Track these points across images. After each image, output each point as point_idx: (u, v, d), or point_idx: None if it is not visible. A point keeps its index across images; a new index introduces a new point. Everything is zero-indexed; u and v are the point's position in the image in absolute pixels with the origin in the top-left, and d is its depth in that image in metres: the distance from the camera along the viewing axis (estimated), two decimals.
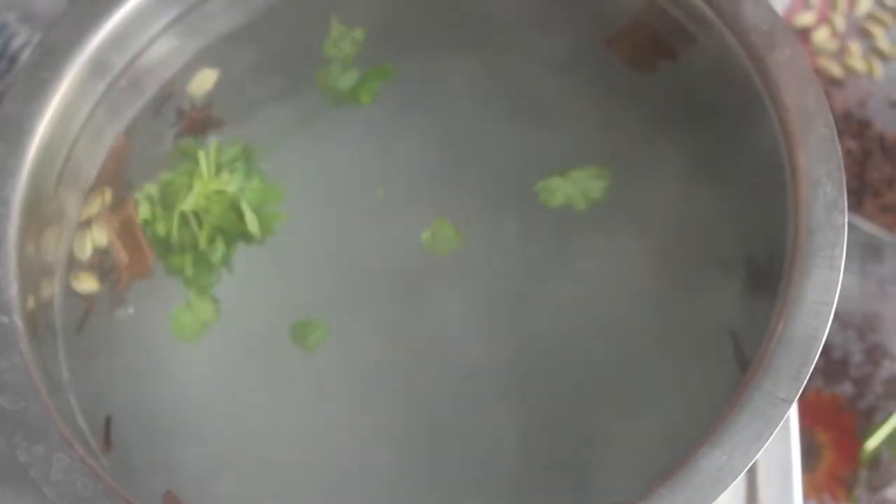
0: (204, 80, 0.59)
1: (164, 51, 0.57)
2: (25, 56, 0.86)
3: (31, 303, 0.50)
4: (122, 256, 0.55)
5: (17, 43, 0.88)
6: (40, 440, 0.45)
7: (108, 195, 0.56)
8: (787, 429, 0.59)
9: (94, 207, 0.56)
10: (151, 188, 0.56)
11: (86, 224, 0.56)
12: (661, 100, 0.57)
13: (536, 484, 0.50)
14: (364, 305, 0.54)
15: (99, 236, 0.56)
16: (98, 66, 0.54)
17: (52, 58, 0.52)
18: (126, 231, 0.55)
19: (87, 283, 0.55)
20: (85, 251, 0.55)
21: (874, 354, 0.76)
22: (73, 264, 0.55)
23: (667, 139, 0.57)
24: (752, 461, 0.43)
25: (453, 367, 0.53)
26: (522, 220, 0.56)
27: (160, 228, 0.56)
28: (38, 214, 0.52)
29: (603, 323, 0.53)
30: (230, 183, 0.56)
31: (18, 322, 0.48)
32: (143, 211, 0.56)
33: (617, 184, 0.56)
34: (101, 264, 0.55)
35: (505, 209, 0.56)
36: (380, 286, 0.55)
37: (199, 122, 0.58)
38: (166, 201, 0.56)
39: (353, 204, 0.57)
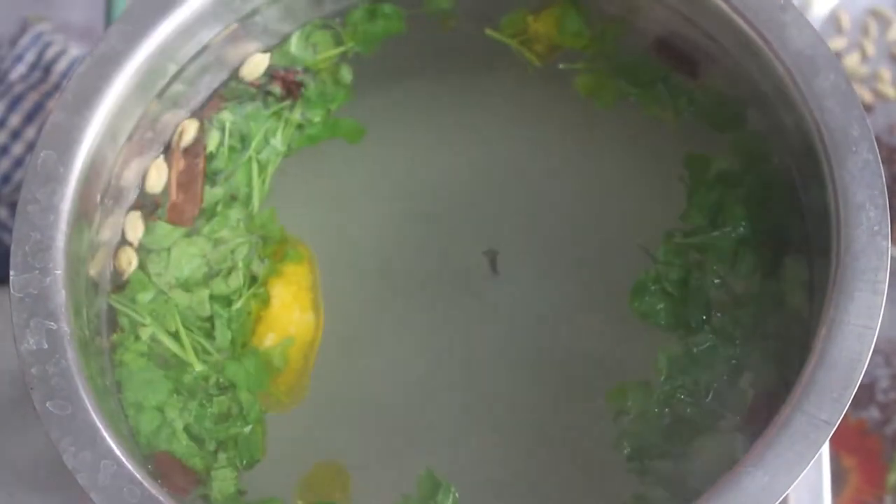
0: (258, 64, 0.59)
1: (211, 61, 0.58)
2: (61, 65, 0.87)
3: (78, 309, 0.50)
4: (174, 195, 0.56)
5: (52, 52, 0.88)
6: (88, 446, 0.46)
7: (191, 132, 0.57)
8: (818, 453, 0.59)
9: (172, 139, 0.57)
10: (226, 117, 0.58)
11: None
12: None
13: None
14: None
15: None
16: (148, 75, 0.54)
17: (102, 67, 0.53)
18: (188, 173, 0.56)
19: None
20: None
21: None
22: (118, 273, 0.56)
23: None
24: (795, 483, 0.44)
25: None
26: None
27: (220, 164, 0.57)
28: (86, 222, 0.52)
29: None
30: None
31: (66, 328, 0.48)
32: (212, 140, 0.57)
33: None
34: None
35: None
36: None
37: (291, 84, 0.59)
38: (236, 139, 0.58)
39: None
